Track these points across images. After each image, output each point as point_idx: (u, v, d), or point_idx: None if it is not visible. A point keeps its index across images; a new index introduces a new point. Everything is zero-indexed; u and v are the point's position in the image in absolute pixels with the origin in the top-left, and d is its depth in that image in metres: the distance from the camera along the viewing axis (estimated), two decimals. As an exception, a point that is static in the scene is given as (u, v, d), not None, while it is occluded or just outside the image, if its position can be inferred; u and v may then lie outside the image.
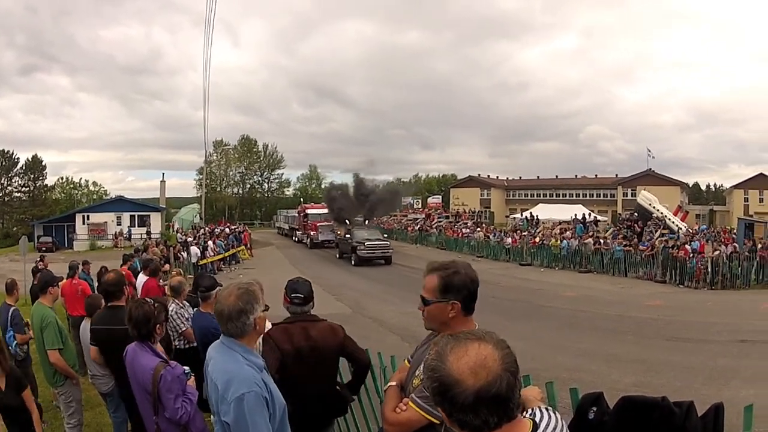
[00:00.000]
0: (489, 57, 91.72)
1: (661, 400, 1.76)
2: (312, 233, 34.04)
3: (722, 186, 63.88)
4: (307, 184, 72.50)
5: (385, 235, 28.54)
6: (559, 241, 25.07)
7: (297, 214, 39.79)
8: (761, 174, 45.27)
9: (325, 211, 34.90)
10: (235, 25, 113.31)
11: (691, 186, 62.42)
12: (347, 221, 31.01)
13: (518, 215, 41.45)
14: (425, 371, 1.19)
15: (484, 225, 37.92)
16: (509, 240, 28.07)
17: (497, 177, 64.72)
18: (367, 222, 30.96)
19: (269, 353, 2.82)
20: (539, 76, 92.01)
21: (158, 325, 3.31)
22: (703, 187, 73.40)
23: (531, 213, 38.32)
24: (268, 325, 2.87)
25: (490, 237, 30.40)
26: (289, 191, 71.65)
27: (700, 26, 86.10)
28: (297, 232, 38.70)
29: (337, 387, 3.24)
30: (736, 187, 47.34)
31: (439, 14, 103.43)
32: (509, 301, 15.06)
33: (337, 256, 28.24)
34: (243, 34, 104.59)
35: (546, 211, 39.28)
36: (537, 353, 9.03)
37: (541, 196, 54.14)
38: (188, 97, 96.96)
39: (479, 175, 63.28)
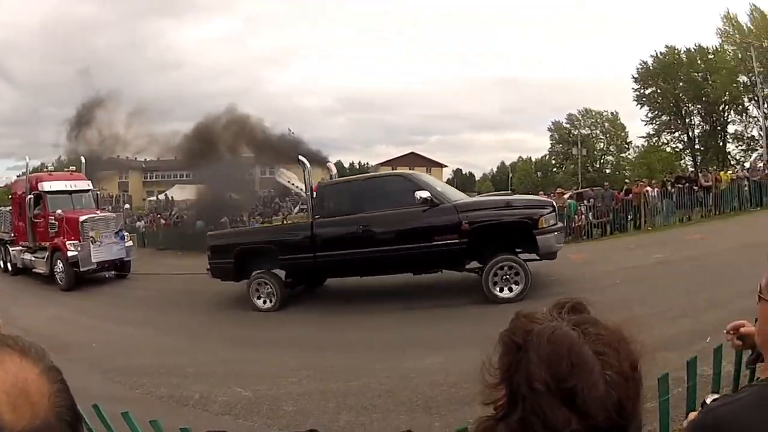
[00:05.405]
0: (142, 34, 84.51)
1: None
2: (67, 245, 12.67)
3: (368, 163, 69.34)
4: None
5: None
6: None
7: (12, 202, 15.93)
8: (412, 153, 52.76)
9: (86, 185, 15.08)
10: None
11: (334, 163, 72.09)
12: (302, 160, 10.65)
13: (154, 197, 41.17)
14: None
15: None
16: (140, 223, 29.87)
17: (135, 158, 61.83)
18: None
19: None
20: (187, 57, 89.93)
21: None
22: (346, 165, 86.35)
23: (166, 194, 39.06)
24: None
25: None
26: None
27: (357, 22, 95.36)
28: (10, 249, 15.16)
29: None
30: (383, 164, 51.28)
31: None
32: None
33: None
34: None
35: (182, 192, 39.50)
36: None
37: (179, 177, 51.41)
38: None
39: (118, 156, 59.25)
